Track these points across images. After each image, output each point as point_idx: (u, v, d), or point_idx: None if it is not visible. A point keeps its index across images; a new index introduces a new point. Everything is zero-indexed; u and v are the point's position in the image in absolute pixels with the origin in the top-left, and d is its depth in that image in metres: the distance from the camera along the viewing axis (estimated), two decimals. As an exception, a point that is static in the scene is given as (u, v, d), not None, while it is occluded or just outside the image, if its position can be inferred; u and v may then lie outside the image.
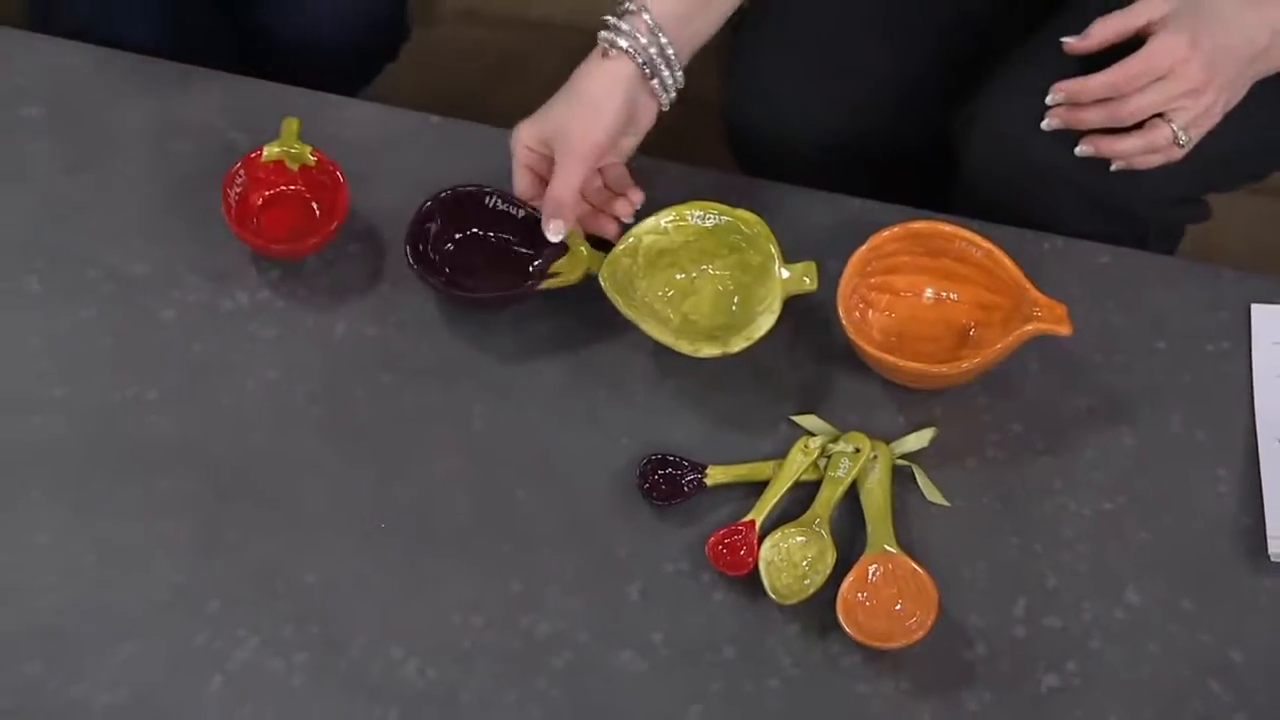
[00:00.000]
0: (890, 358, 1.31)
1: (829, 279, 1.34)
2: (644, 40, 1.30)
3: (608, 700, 1.22)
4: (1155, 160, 1.35)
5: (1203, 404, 1.36)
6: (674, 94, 1.34)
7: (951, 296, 1.38)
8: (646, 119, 1.36)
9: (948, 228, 1.35)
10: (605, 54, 1.32)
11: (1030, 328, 1.29)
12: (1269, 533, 1.29)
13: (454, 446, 1.33)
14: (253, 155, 1.40)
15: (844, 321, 1.32)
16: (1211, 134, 1.45)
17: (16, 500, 1.30)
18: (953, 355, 1.35)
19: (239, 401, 1.35)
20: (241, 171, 1.39)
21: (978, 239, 1.34)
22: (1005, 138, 1.47)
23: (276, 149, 1.40)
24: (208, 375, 1.36)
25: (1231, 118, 1.46)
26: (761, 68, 1.51)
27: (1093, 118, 1.34)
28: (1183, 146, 1.34)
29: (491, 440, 1.34)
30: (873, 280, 1.37)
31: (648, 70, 1.32)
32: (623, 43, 1.30)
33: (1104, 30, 1.31)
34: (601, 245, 1.38)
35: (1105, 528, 1.30)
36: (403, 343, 1.38)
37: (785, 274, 1.33)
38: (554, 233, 1.32)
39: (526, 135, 1.35)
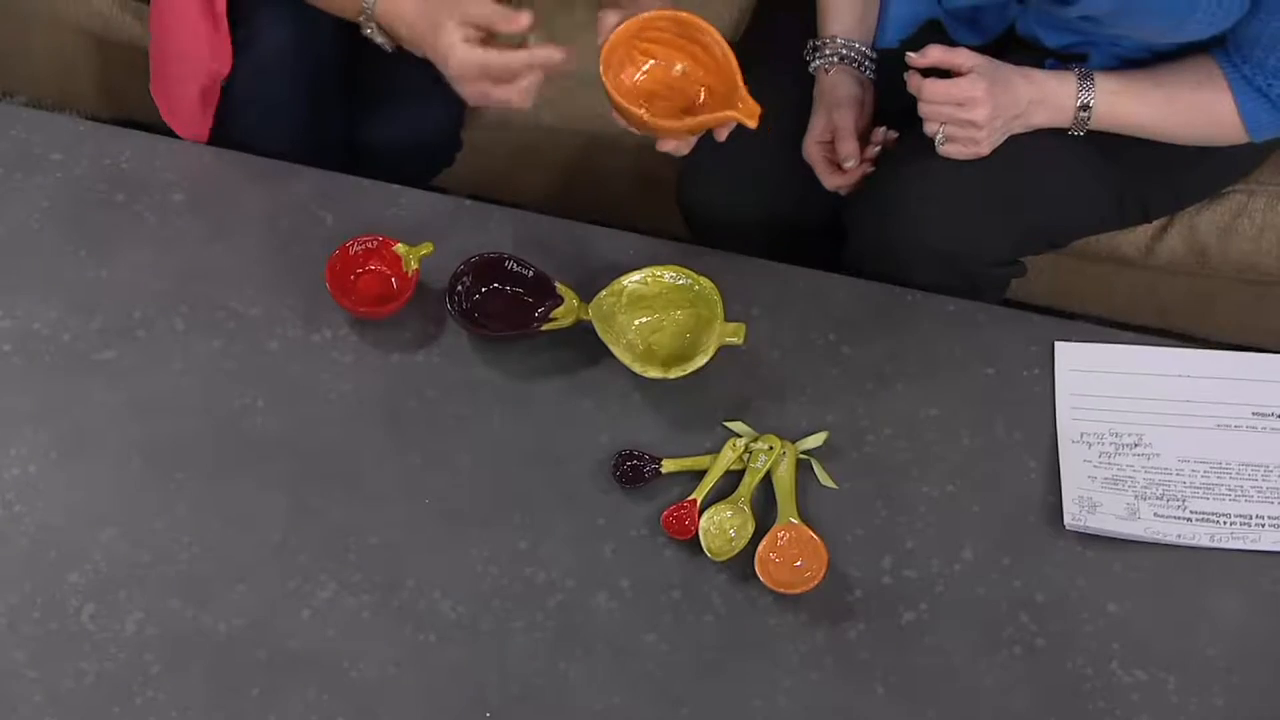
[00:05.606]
0: (635, 109, 1.26)
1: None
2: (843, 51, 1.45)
3: (588, 629, 1.20)
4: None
5: (1019, 414, 1.34)
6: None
7: (686, 71, 1.31)
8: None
9: (705, 24, 1.27)
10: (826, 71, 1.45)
11: (730, 113, 1.25)
12: (1065, 508, 1.27)
13: (478, 442, 1.31)
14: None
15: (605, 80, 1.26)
16: (1028, 213, 1.46)
17: (164, 479, 1.27)
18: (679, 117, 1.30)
19: (323, 408, 1.32)
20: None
21: (721, 41, 1.27)
22: (882, 219, 1.45)
23: (405, 250, 1.36)
24: (300, 389, 1.33)
25: (1041, 204, 1.45)
26: (702, 167, 1.49)
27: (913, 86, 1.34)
28: (940, 145, 1.35)
29: (506, 438, 1.31)
30: (641, 46, 1.30)
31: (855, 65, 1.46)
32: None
33: (934, 54, 1.32)
34: (586, 300, 1.35)
35: (948, 504, 1.29)
36: (442, 366, 1.35)
37: (720, 329, 1.31)
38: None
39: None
